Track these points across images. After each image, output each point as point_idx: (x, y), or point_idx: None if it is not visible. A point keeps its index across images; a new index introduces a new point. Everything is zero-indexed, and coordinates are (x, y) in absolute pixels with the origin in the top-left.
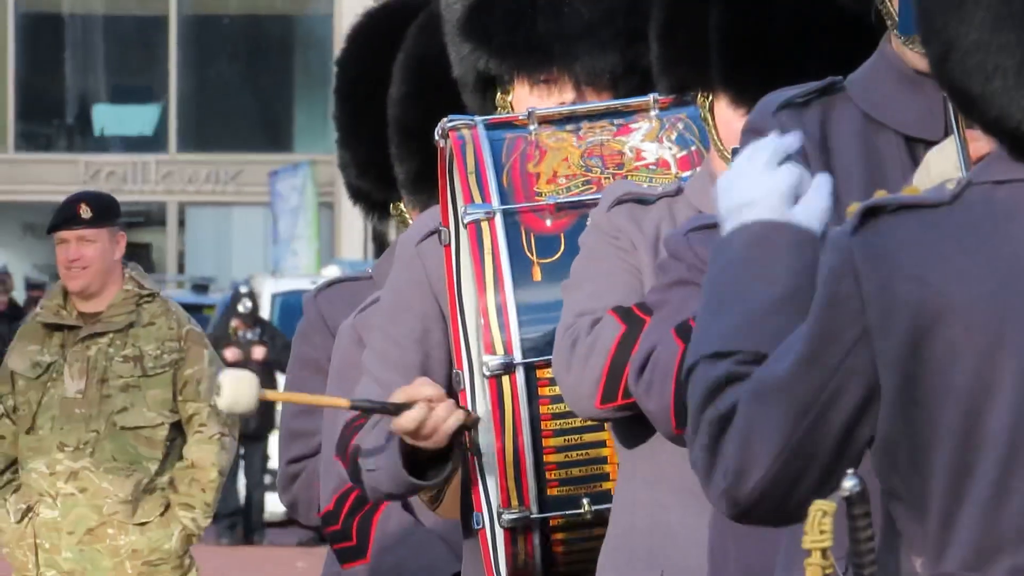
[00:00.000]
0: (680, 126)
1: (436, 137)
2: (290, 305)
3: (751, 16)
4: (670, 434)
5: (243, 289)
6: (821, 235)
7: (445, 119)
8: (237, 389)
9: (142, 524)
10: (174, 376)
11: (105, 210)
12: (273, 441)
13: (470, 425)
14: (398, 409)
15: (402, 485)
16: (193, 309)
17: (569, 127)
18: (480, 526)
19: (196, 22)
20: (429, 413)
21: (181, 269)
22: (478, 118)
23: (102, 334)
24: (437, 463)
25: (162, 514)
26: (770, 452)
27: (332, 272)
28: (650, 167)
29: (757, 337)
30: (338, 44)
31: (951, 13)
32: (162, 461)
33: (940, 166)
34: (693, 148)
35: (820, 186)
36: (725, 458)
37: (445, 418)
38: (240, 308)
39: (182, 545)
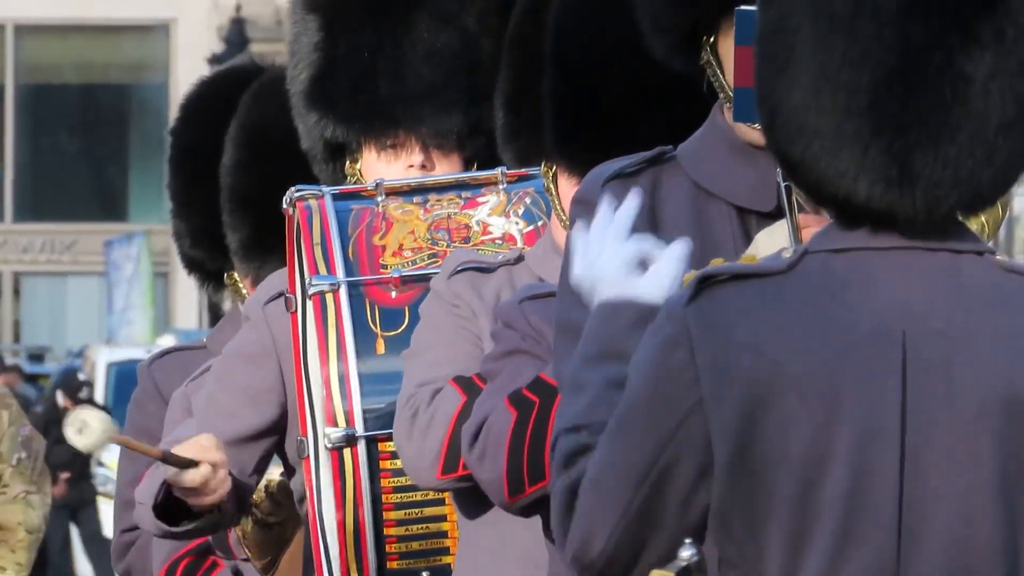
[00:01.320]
0: (528, 200)
1: (284, 206)
2: (125, 374)
3: (582, 85)
4: (504, 503)
5: (80, 376)
6: None
7: (293, 188)
8: (101, 426)
9: None
10: None
11: None
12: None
13: (273, 490)
14: (187, 465)
15: (155, 528)
16: (30, 378)
17: (416, 199)
18: None
19: (32, 91)
20: (213, 475)
21: (16, 338)
22: (326, 188)
23: None
24: (191, 515)
25: None
26: (610, 520)
27: (167, 341)
28: (496, 241)
29: (608, 410)
30: (173, 113)
31: (777, 77)
32: None
33: (768, 250)
34: (540, 223)
35: (673, 254)
36: (574, 525)
37: (223, 482)
38: (81, 395)
39: None
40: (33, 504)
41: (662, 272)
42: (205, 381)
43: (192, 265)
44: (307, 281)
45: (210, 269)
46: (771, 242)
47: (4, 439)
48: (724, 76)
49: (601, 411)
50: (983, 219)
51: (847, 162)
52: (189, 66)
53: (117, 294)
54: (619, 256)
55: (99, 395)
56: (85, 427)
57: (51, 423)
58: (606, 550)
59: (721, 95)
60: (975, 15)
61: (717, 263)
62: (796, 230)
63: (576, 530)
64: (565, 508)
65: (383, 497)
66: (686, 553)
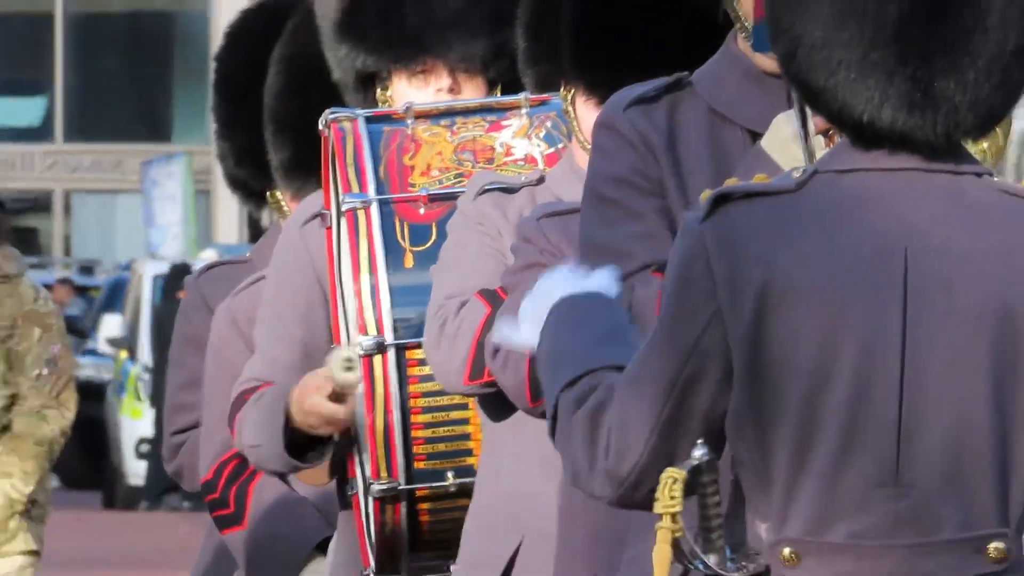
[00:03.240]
0: (548, 124)
1: (320, 127)
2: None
3: (600, 7)
4: (526, 407)
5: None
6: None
7: (328, 111)
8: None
9: None
10: (8, 352)
11: None
12: None
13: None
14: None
15: (284, 465)
16: (80, 290)
17: (444, 122)
18: (354, 491)
19: (81, 19)
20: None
21: (67, 252)
22: (359, 111)
23: None
24: (317, 444)
25: None
26: (644, 431)
27: (209, 256)
28: (518, 163)
29: (599, 359)
30: (216, 40)
31: (798, 12)
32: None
33: (787, 157)
34: (560, 146)
35: (606, 271)
36: (604, 443)
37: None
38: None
39: (3, 510)
40: (48, 418)
41: (603, 276)
42: (244, 303)
43: (236, 184)
44: (340, 199)
45: (253, 188)
46: (787, 149)
47: (30, 353)
48: (740, 6)
49: (590, 361)
50: (984, 145)
51: (872, 89)
52: None
53: (158, 209)
54: (561, 280)
55: (145, 305)
56: (352, 365)
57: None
58: (640, 462)
59: (736, 24)
60: None
61: (731, 183)
62: (811, 155)
63: (611, 446)
64: (589, 437)
65: (411, 401)
66: (698, 452)
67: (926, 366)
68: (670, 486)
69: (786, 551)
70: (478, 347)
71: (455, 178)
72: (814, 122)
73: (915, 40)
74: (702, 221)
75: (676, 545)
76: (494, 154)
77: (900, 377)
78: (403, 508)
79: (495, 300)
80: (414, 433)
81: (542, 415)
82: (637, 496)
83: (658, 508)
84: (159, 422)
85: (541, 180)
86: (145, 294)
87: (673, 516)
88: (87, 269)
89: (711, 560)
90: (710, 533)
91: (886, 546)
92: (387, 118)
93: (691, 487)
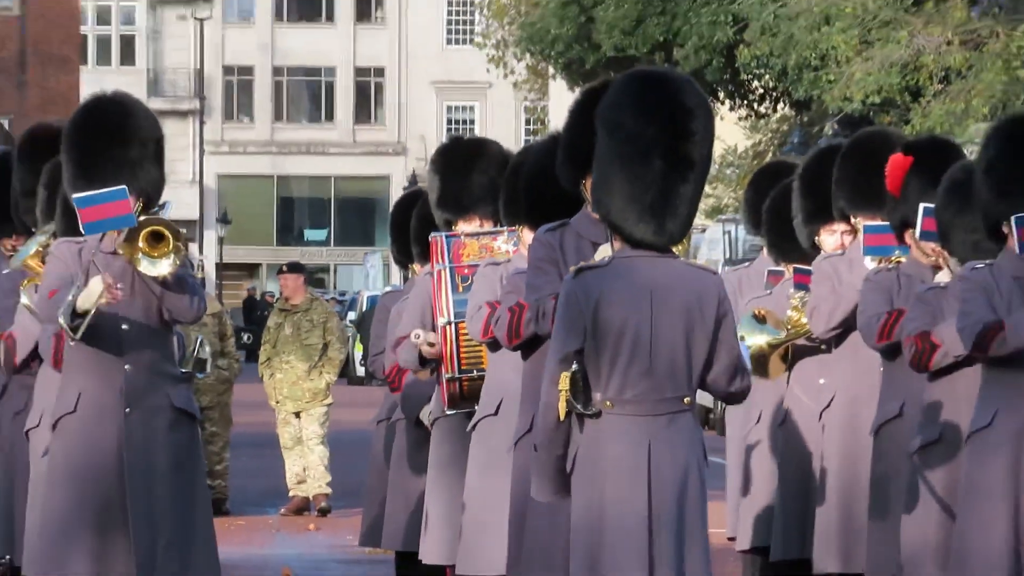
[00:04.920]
0: (514, 239)
1: (430, 238)
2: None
3: (536, 194)
4: (507, 346)
5: None
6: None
7: (433, 232)
8: None
9: None
10: None
11: None
12: None
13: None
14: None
15: (415, 367)
16: None
17: (474, 237)
18: (441, 379)
19: None
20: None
21: None
22: (443, 233)
23: None
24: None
25: None
26: (555, 361)
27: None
28: (504, 253)
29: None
30: None
31: (604, 196)
32: None
33: (603, 252)
34: (515, 248)
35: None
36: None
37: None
38: None
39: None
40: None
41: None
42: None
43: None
44: (437, 267)
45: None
46: (603, 251)
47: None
48: (585, 192)
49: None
50: (680, 247)
51: (636, 222)
52: None
53: None
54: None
55: None
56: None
57: None
58: (553, 371)
59: (584, 199)
60: (684, 144)
61: (583, 263)
62: (613, 247)
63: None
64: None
65: (460, 343)
66: (574, 366)
67: (659, 328)
68: (565, 378)
69: (607, 403)
70: (485, 324)
71: (478, 259)
72: (614, 239)
73: (654, 200)
74: (573, 278)
75: (567, 400)
76: (494, 250)
77: (650, 333)
78: (456, 384)
79: (492, 305)
80: (461, 355)
81: (514, 349)
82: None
83: (560, 386)
84: None
85: (509, 261)
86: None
87: (567, 389)
88: None
89: (579, 406)
90: (578, 395)
91: (646, 400)
92: (454, 236)
93: (572, 378)
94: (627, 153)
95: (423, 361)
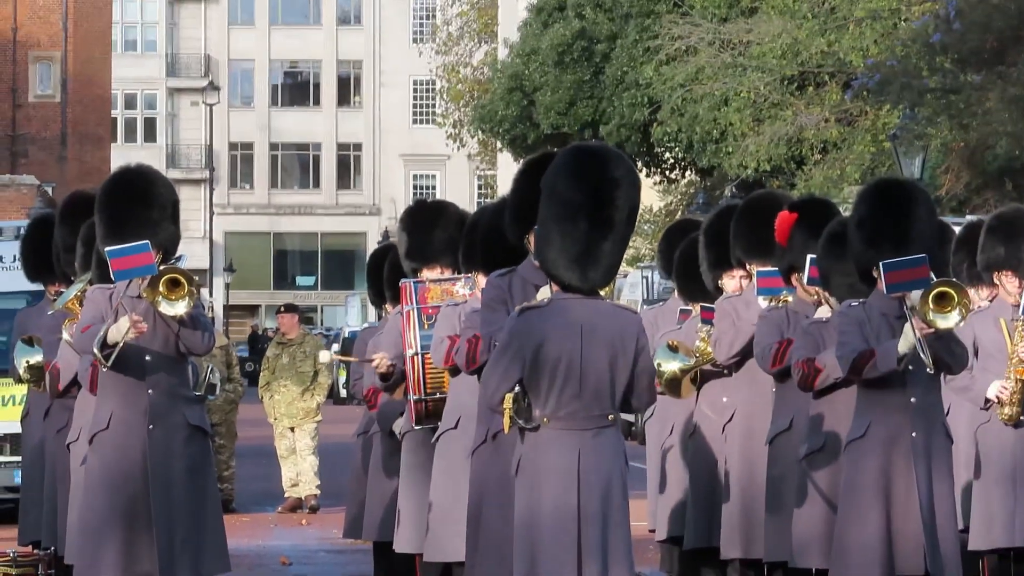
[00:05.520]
0: (471, 283)
1: (400, 283)
2: None
3: (490, 247)
4: (465, 370)
5: None
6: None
7: (403, 279)
8: None
9: None
10: None
11: None
12: None
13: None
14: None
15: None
16: None
17: (437, 283)
18: (408, 399)
19: None
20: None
21: None
22: (411, 279)
23: None
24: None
25: None
26: (498, 384)
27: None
28: (461, 296)
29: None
30: None
31: (544, 249)
32: None
33: (544, 294)
34: (472, 292)
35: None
36: (485, 390)
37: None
38: None
39: None
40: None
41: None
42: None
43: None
44: (406, 307)
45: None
46: (544, 293)
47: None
48: (529, 246)
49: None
50: (606, 291)
51: (565, 270)
52: None
53: None
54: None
55: None
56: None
57: None
58: (497, 395)
59: (529, 251)
60: (606, 209)
61: (527, 303)
62: (551, 290)
63: (486, 392)
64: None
65: (426, 370)
66: (516, 389)
67: (588, 358)
68: (508, 398)
69: (544, 419)
70: (447, 353)
71: (440, 301)
72: (553, 283)
73: (581, 253)
74: (517, 318)
75: (511, 418)
76: (454, 294)
77: (580, 362)
78: (423, 404)
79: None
80: (427, 380)
81: (471, 373)
82: (495, 404)
83: (505, 405)
84: None
85: (466, 302)
86: None
87: (509, 408)
88: None
89: (521, 422)
90: (520, 414)
91: (576, 417)
92: (420, 282)
93: (515, 398)
94: (560, 215)
95: (384, 378)
